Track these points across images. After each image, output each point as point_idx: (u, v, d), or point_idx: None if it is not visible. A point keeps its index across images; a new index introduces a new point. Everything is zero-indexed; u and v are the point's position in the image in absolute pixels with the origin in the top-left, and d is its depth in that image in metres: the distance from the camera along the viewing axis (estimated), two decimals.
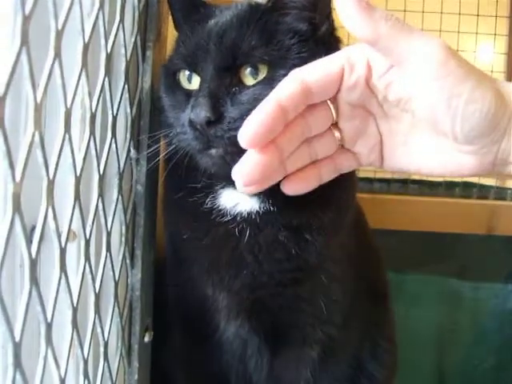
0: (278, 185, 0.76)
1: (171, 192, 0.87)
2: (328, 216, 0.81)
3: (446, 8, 1.55)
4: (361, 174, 1.53)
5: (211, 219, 0.81)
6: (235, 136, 0.67)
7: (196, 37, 0.77)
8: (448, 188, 1.59)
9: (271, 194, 0.78)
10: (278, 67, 0.72)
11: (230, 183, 0.79)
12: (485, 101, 0.61)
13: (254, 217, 0.80)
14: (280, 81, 0.68)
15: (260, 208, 0.79)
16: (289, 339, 0.90)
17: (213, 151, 0.73)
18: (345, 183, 0.82)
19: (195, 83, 0.76)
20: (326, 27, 0.77)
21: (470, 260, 1.66)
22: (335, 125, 0.70)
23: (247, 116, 0.67)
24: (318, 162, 0.71)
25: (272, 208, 0.79)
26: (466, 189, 1.59)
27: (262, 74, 0.73)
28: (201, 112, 0.70)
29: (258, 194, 0.79)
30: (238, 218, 0.80)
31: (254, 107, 0.68)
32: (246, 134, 0.62)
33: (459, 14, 1.50)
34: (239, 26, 0.74)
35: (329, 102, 0.68)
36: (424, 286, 1.66)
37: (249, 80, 0.73)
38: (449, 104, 0.61)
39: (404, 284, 1.62)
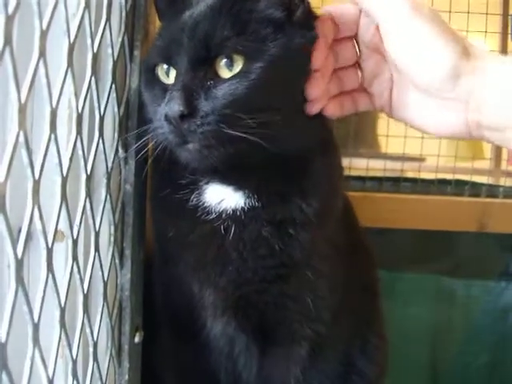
0: (262, 179, 0.79)
1: (157, 189, 0.87)
2: (312, 209, 0.81)
3: (437, 6, 1.55)
4: (353, 173, 1.54)
5: (196, 217, 0.81)
6: (209, 131, 0.69)
7: (171, 30, 0.77)
8: (440, 186, 1.59)
9: (256, 189, 0.79)
10: (254, 59, 0.72)
11: (214, 178, 0.80)
12: (445, 54, 0.71)
13: (238, 213, 0.80)
14: (256, 74, 0.70)
15: (245, 204, 0.80)
16: (277, 337, 0.90)
17: (190, 146, 0.72)
18: (329, 175, 0.84)
19: (172, 77, 0.76)
20: (302, 10, 0.76)
21: (463, 258, 1.67)
22: (357, 64, 0.82)
23: (221, 111, 0.70)
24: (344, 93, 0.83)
25: (257, 203, 0.79)
26: (458, 186, 1.59)
27: (238, 65, 0.72)
28: (174, 106, 0.70)
29: (243, 189, 0.79)
30: (224, 215, 0.80)
31: (228, 102, 0.70)
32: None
33: (449, 11, 1.50)
34: (212, 17, 0.73)
35: (354, 40, 0.80)
36: (417, 284, 1.66)
37: (224, 72, 0.72)
38: (412, 55, 0.73)
39: (397, 282, 1.62)
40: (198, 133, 0.70)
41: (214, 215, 0.80)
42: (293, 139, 0.77)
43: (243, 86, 0.70)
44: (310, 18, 0.79)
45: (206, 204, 0.81)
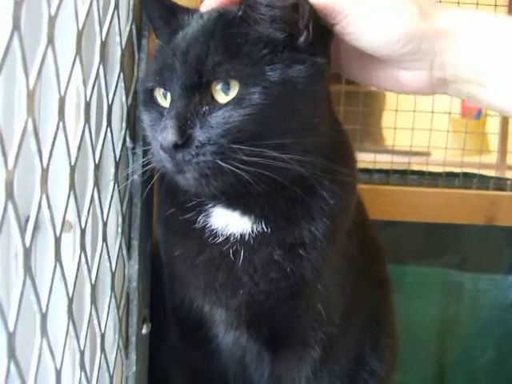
0: (268, 204, 0.76)
1: (163, 207, 0.86)
2: (321, 231, 0.79)
3: None
4: (360, 165, 1.52)
5: (204, 239, 0.79)
6: (204, 161, 0.67)
7: (164, 52, 0.74)
8: (448, 179, 1.59)
9: (263, 214, 0.77)
10: (250, 84, 0.68)
11: (220, 202, 0.78)
12: (400, 20, 0.71)
13: (247, 238, 0.77)
14: (251, 100, 0.67)
15: (253, 229, 0.77)
16: (289, 342, 0.89)
17: (187, 174, 0.70)
18: (339, 193, 0.80)
19: (169, 100, 0.72)
20: (305, 37, 0.72)
21: (471, 251, 1.66)
22: None
23: (216, 141, 0.67)
24: None
25: (265, 228, 0.77)
26: (465, 179, 1.59)
27: (234, 90, 0.68)
28: (167, 135, 0.67)
29: (249, 214, 0.77)
30: (232, 239, 0.78)
31: (223, 131, 0.67)
32: None
33: (458, 2, 1.49)
34: (204, 41, 0.70)
35: None
36: (424, 277, 1.66)
37: (220, 97, 0.69)
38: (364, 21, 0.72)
39: (404, 276, 1.62)
40: (193, 163, 0.68)
41: (221, 238, 0.78)
42: (296, 164, 0.71)
43: (238, 114, 0.67)
44: (319, 43, 0.74)
45: (212, 227, 0.79)
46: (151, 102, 0.75)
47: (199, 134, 0.68)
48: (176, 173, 0.70)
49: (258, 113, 0.68)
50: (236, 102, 0.68)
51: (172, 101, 0.70)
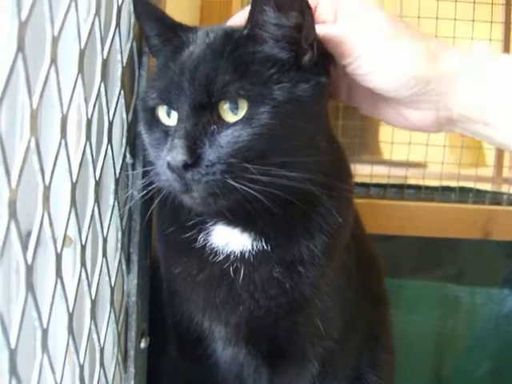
0: (270, 223, 0.77)
1: (162, 225, 0.86)
2: (319, 248, 0.79)
3: None
4: (357, 179, 1.54)
5: (204, 257, 0.80)
6: (213, 180, 0.67)
7: (170, 70, 0.73)
8: (444, 193, 1.60)
9: (263, 231, 0.78)
10: (258, 103, 0.69)
11: (221, 219, 0.79)
12: (408, 62, 0.73)
13: (247, 255, 0.78)
14: (261, 120, 0.68)
15: (253, 246, 0.78)
16: (287, 356, 0.89)
17: (194, 193, 0.70)
18: (337, 209, 0.80)
19: (174, 118, 0.72)
20: (310, 56, 0.73)
21: (467, 265, 1.67)
22: None
23: (226, 160, 0.67)
24: None
25: (265, 246, 0.78)
26: (462, 194, 1.60)
27: (242, 109, 0.69)
28: (177, 155, 0.67)
29: (250, 231, 0.78)
30: (232, 257, 0.79)
31: (233, 150, 0.67)
32: None
33: (454, 19, 1.50)
34: (213, 60, 0.70)
35: None
36: (421, 291, 1.67)
37: (228, 116, 0.69)
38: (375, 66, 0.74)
39: (401, 289, 1.63)
40: (203, 182, 0.68)
41: (221, 256, 0.79)
42: (300, 182, 0.71)
43: (247, 133, 0.67)
44: (322, 62, 0.75)
45: (213, 245, 0.80)
46: (153, 120, 0.75)
47: (209, 154, 0.68)
48: (183, 192, 0.70)
49: (267, 132, 0.68)
50: (245, 121, 0.68)
51: (179, 120, 0.70)
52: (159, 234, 0.88)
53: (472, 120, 0.74)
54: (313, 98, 0.72)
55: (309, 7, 0.70)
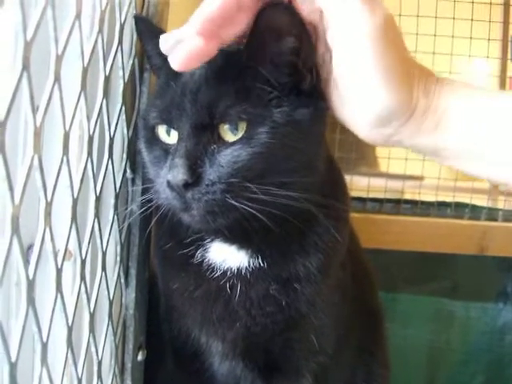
0: (266, 241, 0.78)
1: (159, 241, 0.86)
2: (315, 265, 0.80)
3: (441, 12, 1.56)
4: (353, 194, 1.54)
5: (201, 273, 0.81)
6: (213, 199, 0.68)
7: (171, 89, 0.74)
8: (440, 208, 1.61)
9: (259, 248, 0.79)
10: (257, 124, 0.69)
11: (218, 236, 0.79)
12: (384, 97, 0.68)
13: (244, 272, 0.79)
14: (260, 140, 0.69)
15: (249, 263, 0.79)
16: (282, 371, 0.89)
17: (194, 212, 0.70)
18: (333, 227, 0.80)
19: (174, 137, 0.73)
20: (309, 80, 0.73)
21: (462, 279, 1.68)
22: None
23: (227, 180, 0.68)
24: None
25: (262, 263, 0.79)
26: (457, 209, 1.60)
27: (242, 130, 0.70)
28: (178, 174, 0.67)
29: (246, 249, 0.79)
30: (229, 273, 0.79)
31: (233, 170, 0.68)
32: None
33: (452, 36, 1.51)
34: (215, 82, 0.71)
35: None
36: (416, 305, 1.67)
37: (228, 136, 0.70)
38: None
39: (396, 303, 1.63)
40: (203, 201, 0.69)
41: (218, 273, 0.80)
42: (298, 201, 0.71)
43: (247, 152, 0.68)
44: (318, 92, 0.75)
45: (210, 261, 0.80)
46: (154, 138, 0.76)
47: (210, 173, 0.69)
48: (182, 210, 0.71)
49: (266, 151, 0.69)
50: (244, 141, 0.69)
51: (180, 139, 0.71)
52: (157, 250, 0.89)
53: (458, 156, 0.72)
54: (312, 122, 0.73)
55: (306, 32, 0.70)
